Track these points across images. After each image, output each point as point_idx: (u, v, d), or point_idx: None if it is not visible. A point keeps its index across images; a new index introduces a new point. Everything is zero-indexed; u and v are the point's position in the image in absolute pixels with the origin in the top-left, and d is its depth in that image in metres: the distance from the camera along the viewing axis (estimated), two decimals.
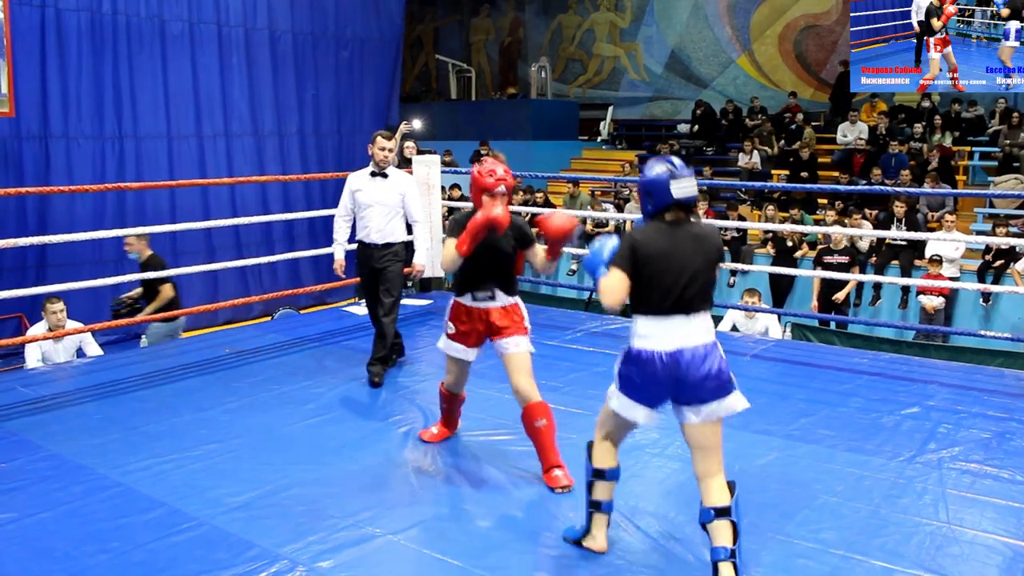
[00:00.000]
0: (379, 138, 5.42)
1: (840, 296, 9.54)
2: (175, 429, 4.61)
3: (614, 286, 3.03)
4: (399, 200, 5.44)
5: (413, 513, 3.62)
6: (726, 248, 11.48)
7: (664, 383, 3.05)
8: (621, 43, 19.10)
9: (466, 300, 4.04)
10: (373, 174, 5.45)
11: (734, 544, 2.99)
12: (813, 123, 14.83)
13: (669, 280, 3.02)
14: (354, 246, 5.61)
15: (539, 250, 4.01)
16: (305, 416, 4.82)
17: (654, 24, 18.51)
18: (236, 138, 11.59)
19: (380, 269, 5.41)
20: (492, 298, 4.02)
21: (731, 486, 3.09)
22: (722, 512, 3.02)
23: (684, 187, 3.08)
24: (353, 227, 5.56)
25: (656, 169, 3.12)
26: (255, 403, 5.06)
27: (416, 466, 4.15)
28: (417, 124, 9.52)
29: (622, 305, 3.12)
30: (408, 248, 5.58)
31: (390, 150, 5.40)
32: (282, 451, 4.31)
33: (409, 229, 5.60)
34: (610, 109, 18.79)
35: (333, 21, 12.74)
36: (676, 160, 3.13)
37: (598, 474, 3.25)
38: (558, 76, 19.92)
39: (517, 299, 4.11)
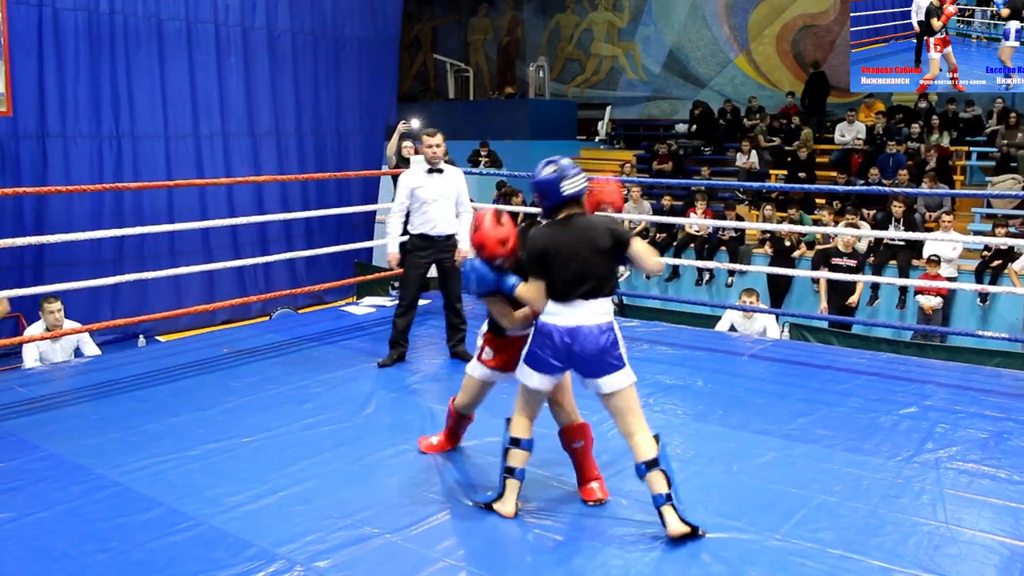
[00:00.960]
0: (425, 136, 5.74)
1: (854, 300, 9.52)
2: (173, 429, 4.61)
3: (536, 294, 3.46)
4: (456, 194, 5.80)
5: (411, 513, 3.62)
6: (724, 248, 11.51)
7: (562, 353, 3.42)
8: (619, 43, 19.10)
9: (508, 332, 3.83)
10: (429, 171, 5.73)
11: (669, 489, 3.35)
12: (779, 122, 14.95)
13: (567, 274, 3.38)
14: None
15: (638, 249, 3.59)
16: (303, 416, 4.82)
17: (652, 24, 18.51)
18: (234, 138, 11.57)
19: (443, 260, 5.81)
20: (530, 325, 3.65)
21: (656, 439, 3.42)
22: (652, 464, 3.37)
23: (573, 184, 3.43)
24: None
25: (545, 170, 3.45)
26: (253, 403, 5.06)
27: (414, 466, 4.15)
28: (416, 123, 9.53)
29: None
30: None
31: (438, 145, 5.68)
32: (280, 451, 4.31)
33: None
34: (608, 109, 18.78)
35: (331, 21, 12.72)
36: (564, 160, 3.46)
37: (514, 442, 3.59)
38: (556, 76, 19.91)
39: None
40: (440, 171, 5.75)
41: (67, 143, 9.95)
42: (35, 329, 6.75)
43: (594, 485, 3.80)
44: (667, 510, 3.33)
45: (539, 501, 3.74)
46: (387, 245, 6.03)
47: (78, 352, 6.84)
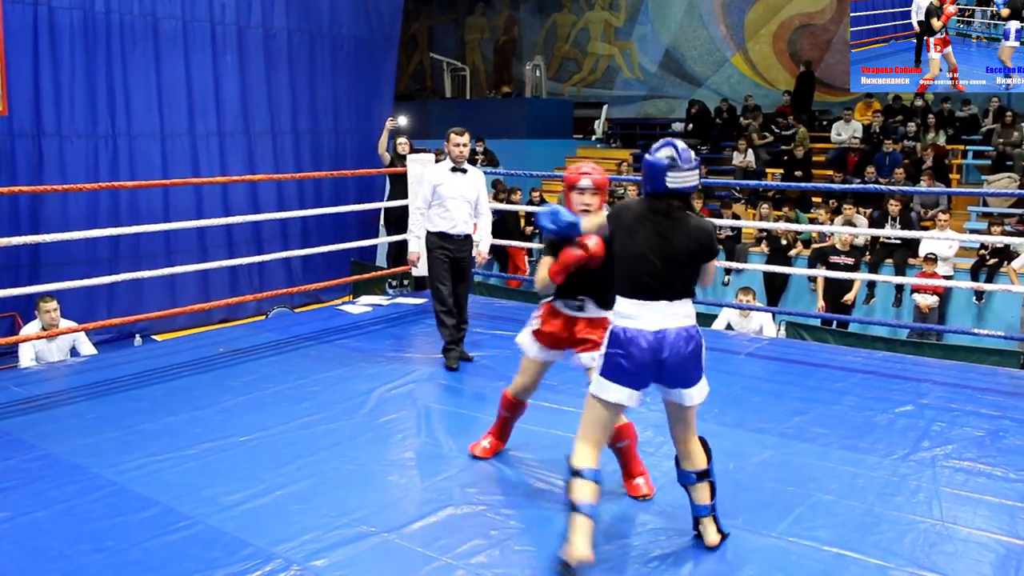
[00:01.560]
0: (452, 135, 5.77)
1: (850, 297, 9.54)
2: (170, 428, 4.61)
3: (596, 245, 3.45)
4: (476, 195, 5.84)
5: (408, 512, 3.63)
6: (721, 247, 11.51)
7: (649, 362, 3.12)
8: (615, 42, 19.10)
9: (557, 304, 3.93)
10: (453, 169, 5.77)
11: (712, 500, 3.30)
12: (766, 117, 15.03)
13: (648, 264, 3.13)
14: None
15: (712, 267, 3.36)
16: (300, 415, 4.82)
17: (648, 23, 18.51)
18: (229, 137, 11.55)
19: (460, 259, 5.84)
20: (581, 308, 3.87)
21: (704, 444, 3.34)
22: (703, 475, 3.29)
23: (680, 178, 3.10)
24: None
25: (658, 154, 3.13)
26: (250, 402, 5.06)
27: (411, 464, 4.15)
28: (403, 121, 9.50)
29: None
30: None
31: (464, 145, 5.76)
32: (277, 450, 4.30)
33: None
34: (604, 108, 18.79)
35: (328, 19, 12.71)
36: (681, 147, 3.13)
37: (575, 473, 3.16)
38: (553, 75, 19.91)
39: (608, 313, 3.64)
40: (464, 171, 5.80)
41: (63, 142, 9.93)
42: (31, 328, 6.74)
43: (639, 481, 3.81)
44: (708, 522, 3.31)
45: (534, 497, 3.74)
46: (409, 243, 6.08)
47: (74, 351, 6.82)
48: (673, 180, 3.09)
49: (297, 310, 9.83)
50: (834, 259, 9.48)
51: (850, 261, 9.45)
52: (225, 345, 6.35)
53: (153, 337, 9.62)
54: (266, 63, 11.91)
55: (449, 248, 5.79)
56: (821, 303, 9.52)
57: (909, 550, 3.30)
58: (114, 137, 10.37)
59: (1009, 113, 12.46)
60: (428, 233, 5.84)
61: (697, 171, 3.14)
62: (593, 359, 3.57)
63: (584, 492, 3.10)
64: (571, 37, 19.76)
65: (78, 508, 3.65)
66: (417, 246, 6.02)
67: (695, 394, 3.24)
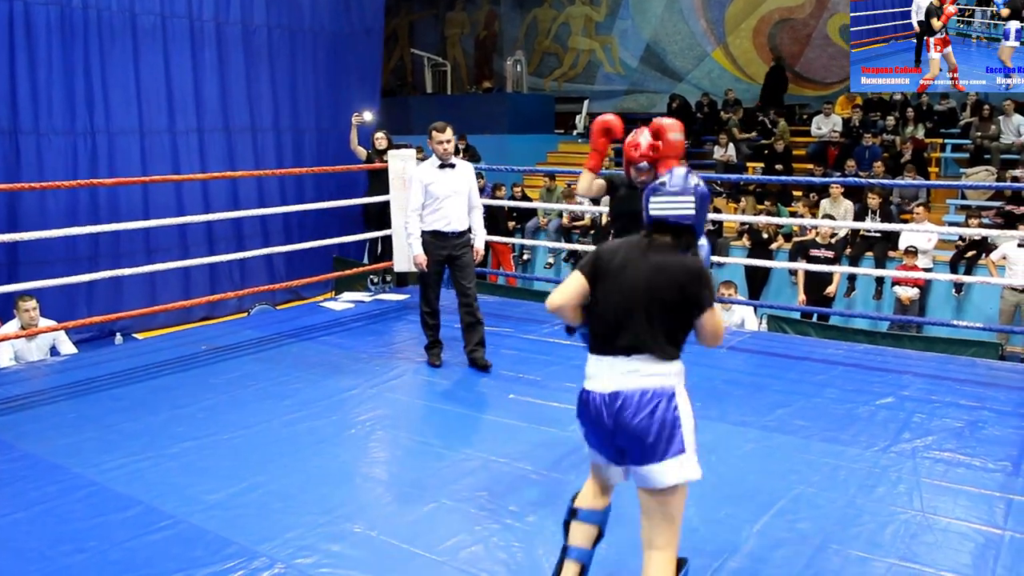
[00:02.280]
0: (435, 132, 5.59)
1: (832, 290, 9.59)
2: (151, 427, 4.58)
3: (565, 286, 2.70)
4: (468, 189, 5.67)
5: (392, 509, 3.62)
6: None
7: (601, 429, 2.61)
8: (596, 36, 19.10)
9: None
10: (441, 166, 5.60)
11: None
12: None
13: (610, 309, 2.63)
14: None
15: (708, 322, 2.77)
16: (283, 412, 4.80)
17: (629, 18, 18.52)
18: (208, 134, 11.49)
19: (457, 256, 5.65)
20: None
21: (681, 566, 2.75)
22: None
23: (666, 205, 2.62)
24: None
25: (673, 175, 2.68)
26: (232, 400, 5.04)
27: (395, 461, 4.15)
28: (368, 116, 9.35)
29: (566, 312, 2.74)
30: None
31: (448, 141, 5.58)
32: (260, 448, 4.29)
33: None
34: (586, 103, 18.78)
35: (309, 15, 12.66)
36: (680, 172, 2.67)
37: (571, 513, 2.84)
38: (533, 70, 19.89)
39: None
40: (452, 166, 5.64)
41: (40, 139, 9.85)
42: (9, 328, 6.68)
43: None
44: None
45: (518, 496, 3.75)
46: (411, 247, 5.72)
47: (54, 351, 6.78)
48: (656, 207, 2.63)
49: (279, 307, 9.80)
50: (814, 252, 9.53)
51: (830, 254, 9.50)
52: (207, 343, 6.32)
53: (134, 335, 9.58)
54: (246, 59, 11.85)
55: (444, 247, 5.60)
56: (802, 296, 9.57)
57: (890, 541, 3.33)
58: (93, 134, 10.29)
59: (987, 107, 12.55)
60: (423, 233, 5.65)
61: (692, 199, 2.61)
62: None
63: (577, 535, 2.80)
64: (552, 32, 19.75)
65: (59, 508, 3.62)
66: (419, 249, 5.70)
67: (659, 472, 2.55)
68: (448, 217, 5.60)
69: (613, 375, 2.60)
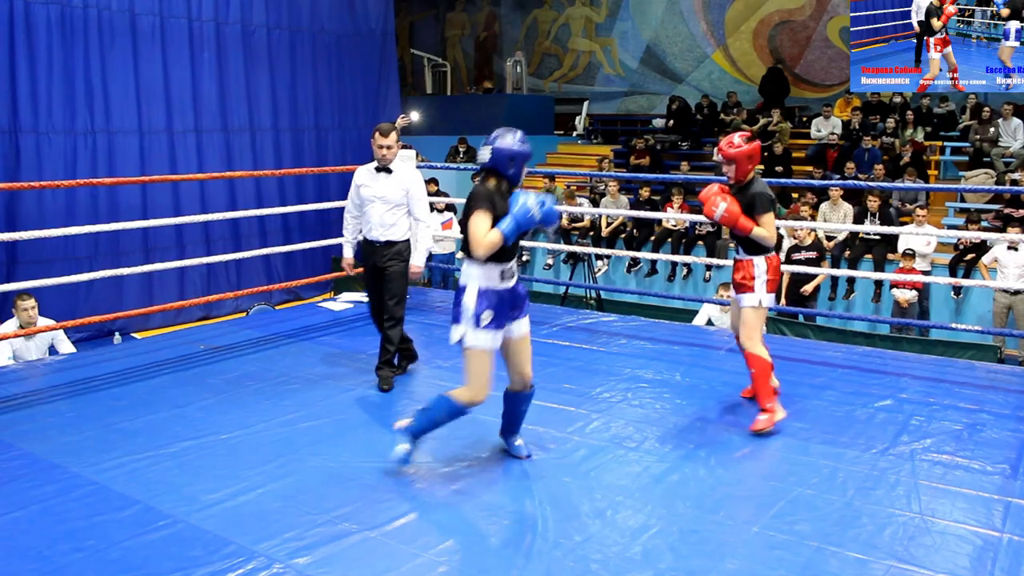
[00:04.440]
0: (378, 133, 5.26)
1: (809, 288, 9.58)
2: (150, 426, 4.58)
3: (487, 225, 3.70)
4: (402, 196, 5.28)
5: (390, 509, 3.62)
6: (702, 242, 11.60)
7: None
8: (596, 38, 19.12)
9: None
10: (377, 169, 5.30)
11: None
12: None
13: None
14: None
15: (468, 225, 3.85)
16: (281, 412, 4.80)
17: (629, 19, 18.54)
18: (207, 134, 11.49)
19: (382, 269, 5.29)
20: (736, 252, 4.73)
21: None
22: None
23: (481, 156, 3.80)
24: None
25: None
26: (230, 400, 5.03)
27: (392, 462, 4.14)
28: (415, 116, 9.18)
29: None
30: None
31: (388, 146, 5.21)
32: (258, 448, 4.29)
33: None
34: (585, 104, 18.81)
35: (309, 15, 12.65)
36: (498, 133, 3.85)
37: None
38: (533, 71, 19.92)
39: (752, 258, 4.65)
40: (388, 171, 5.28)
41: (39, 139, 9.85)
42: (8, 327, 6.68)
43: (759, 416, 4.46)
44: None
45: (517, 495, 3.75)
46: (343, 248, 5.61)
47: (52, 350, 6.78)
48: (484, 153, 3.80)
49: (278, 307, 9.80)
50: (796, 255, 9.48)
51: (812, 255, 9.46)
52: (205, 343, 6.32)
53: (132, 335, 9.57)
54: (245, 60, 11.84)
55: (371, 255, 5.30)
56: (783, 300, 9.56)
57: (889, 543, 3.32)
58: (92, 134, 10.29)
59: (986, 109, 12.57)
60: (363, 240, 5.41)
61: (490, 151, 3.78)
62: (747, 301, 4.69)
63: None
64: (552, 33, 19.76)
65: (57, 508, 3.62)
66: (350, 252, 5.57)
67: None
68: (371, 224, 5.28)
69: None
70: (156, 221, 8.36)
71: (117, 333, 9.70)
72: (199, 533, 3.39)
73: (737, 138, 4.60)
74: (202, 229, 11.30)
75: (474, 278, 3.75)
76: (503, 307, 3.77)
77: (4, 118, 9.56)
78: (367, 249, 5.35)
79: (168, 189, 10.96)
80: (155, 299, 10.25)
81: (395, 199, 5.27)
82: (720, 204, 4.50)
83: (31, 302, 6.58)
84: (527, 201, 3.65)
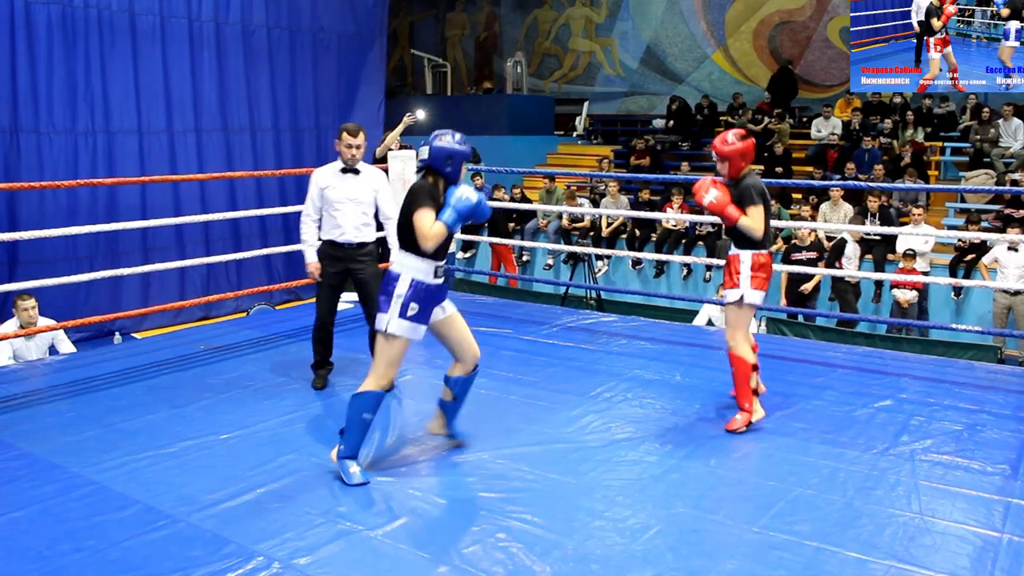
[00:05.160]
0: (345, 133, 5.14)
1: (808, 287, 9.60)
2: (150, 426, 4.58)
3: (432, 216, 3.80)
4: (372, 197, 5.23)
5: (390, 509, 3.62)
6: (702, 243, 11.61)
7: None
8: (596, 38, 19.12)
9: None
10: (343, 170, 5.20)
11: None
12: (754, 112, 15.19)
13: None
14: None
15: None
16: (281, 412, 4.80)
17: (629, 19, 18.55)
18: (207, 134, 11.49)
19: (355, 271, 5.22)
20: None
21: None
22: None
23: (422, 155, 3.88)
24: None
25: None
26: (230, 400, 5.04)
27: (393, 462, 4.15)
28: (421, 115, 9.06)
29: None
30: (381, 246, 5.43)
31: (357, 146, 5.12)
32: (258, 448, 4.29)
33: (379, 226, 5.43)
34: (586, 104, 18.82)
35: (309, 15, 12.65)
36: (438, 134, 3.91)
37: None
38: (534, 71, 19.92)
39: (739, 252, 4.66)
40: (356, 172, 5.19)
41: (40, 139, 9.85)
42: (8, 327, 6.68)
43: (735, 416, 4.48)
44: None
45: (519, 497, 3.75)
46: (305, 254, 5.33)
47: (52, 350, 6.78)
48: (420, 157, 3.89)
49: (278, 307, 9.80)
50: (796, 256, 9.50)
51: (812, 255, 9.48)
52: (205, 343, 6.32)
53: (132, 335, 9.57)
54: (245, 60, 11.84)
55: (340, 258, 5.19)
56: (783, 300, 9.58)
57: (888, 543, 3.32)
58: (92, 134, 10.29)
59: (986, 110, 12.57)
60: (321, 242, 5.25)
61: (428, 151, 3.85)
62: (728, 297, 4.70)
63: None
64: (552, 33, 19.77)
65: (57, 508, 3.62)
66: (314, 256, 5.31)
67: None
68: (342, 227, 5.16)
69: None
70: (156, 221, 8.37)
71: (117, 333, 9.70)
72: (199, 533, 3.39)
73: (731, 136, 4.61)
74: (202, 229, 11.30)
75: (409, 269, 3.82)
76: (430, 302, 3.87)
77: (4, 118, 9.56)
78: (335, 252, 5.21)
79: (168, 189, 10.96)
80: (155, 299, 10.25)
81: (367, 200, 5.21)
82: (711, 190, 4.58)
83: (31, 302, 6.58)
84: (463, 192, 3.79)
